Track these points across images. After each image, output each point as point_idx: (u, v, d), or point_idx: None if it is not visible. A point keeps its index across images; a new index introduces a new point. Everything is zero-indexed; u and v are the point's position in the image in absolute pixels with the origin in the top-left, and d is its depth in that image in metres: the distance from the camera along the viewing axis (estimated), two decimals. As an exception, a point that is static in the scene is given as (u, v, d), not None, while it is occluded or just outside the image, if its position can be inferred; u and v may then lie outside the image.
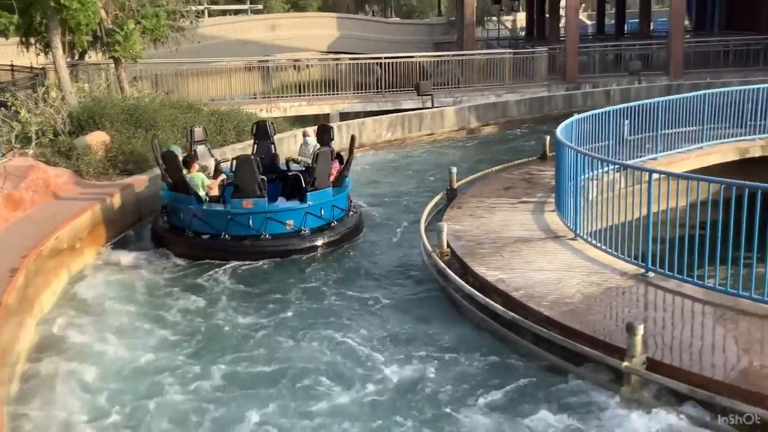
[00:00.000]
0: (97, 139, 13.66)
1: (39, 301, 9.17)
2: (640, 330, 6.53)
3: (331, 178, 11.82)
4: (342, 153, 12.59)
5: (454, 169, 12.85)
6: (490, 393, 7.00)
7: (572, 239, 9.70)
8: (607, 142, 12.06)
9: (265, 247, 10.99)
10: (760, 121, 13.50)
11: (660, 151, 12.78)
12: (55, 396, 7.26)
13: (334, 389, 7.27)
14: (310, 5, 56.41)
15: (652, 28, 40.09)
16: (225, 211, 11.11)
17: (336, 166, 12.16)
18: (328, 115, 22.39)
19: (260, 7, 54.35)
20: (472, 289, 8.54)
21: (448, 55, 26.58)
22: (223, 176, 12.03)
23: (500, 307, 8.00)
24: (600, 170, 9.94)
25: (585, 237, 9.50)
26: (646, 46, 28.84)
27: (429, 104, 22.68)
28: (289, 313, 9.15)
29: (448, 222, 10.52)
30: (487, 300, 8.22)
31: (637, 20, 40.37)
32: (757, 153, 13.47)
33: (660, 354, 6.66)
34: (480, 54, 26.26)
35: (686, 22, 32.97)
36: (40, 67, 22.29)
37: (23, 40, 18.71)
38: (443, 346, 8.01)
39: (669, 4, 30.23)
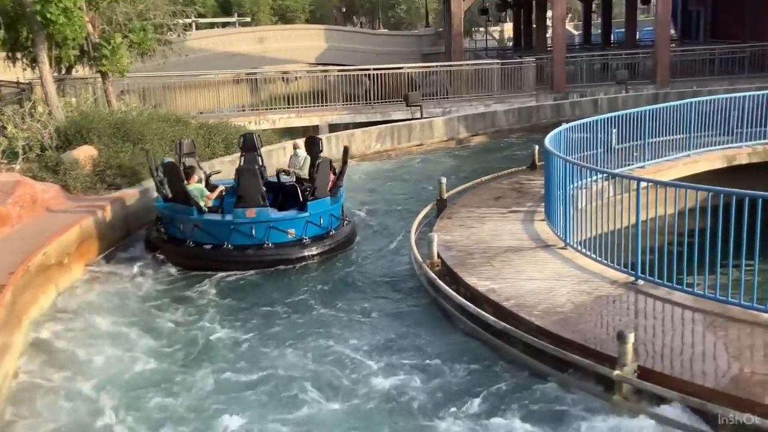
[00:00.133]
0: (84, 153, 13.60)
1: (27, 316, 9.11)
2: (631, 338, 6.53)
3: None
4: (335, 164, 12.62)
5: (444, 180, 12.85)
6: (477, 402, 6.98)
7: (562, 248, 9.71)
8: (595, 151, 12.13)
9: (268, 256, 11.02)
10: (747, 128, 13.61)
11: (648, 160, 12.86)
12: (43, 407, 7.31)
13: (320, 398, 7.27)
14: (297, 17, 56.43)
15: (638, 37, 40.38)
16: (228, 221, 11.12)
17: (330, 177, 12.19)
18: (317, 126, 22.39)
19: (248, 19, 54.37)
20: (463, 299, 8.53)
21: (436, 66, 26.59)
22: (222, 187, 12.02)
23: (491, 317, 7.99)
24: (589, 179, 9.97)
25: (575, 246, 9.52)
26: (632, 56, 28.99)
27: (418, 115, 22.71)
28: (278, 324, 9.13)
29: (438, 232, 10.53)
30: (478, 310, 8.21)
31: (623, 30, 40.66)
32: (743, 160, 13.57)
33: (651, 362, 6.67)
34: (468, 64, 26.30)
35: (672, 31, 33.21)
36: (27, 81, 22.15)
37: (9, 54, 18.61)
38: (432, 356, 7.98)
39: (654, 14, 30.48)
